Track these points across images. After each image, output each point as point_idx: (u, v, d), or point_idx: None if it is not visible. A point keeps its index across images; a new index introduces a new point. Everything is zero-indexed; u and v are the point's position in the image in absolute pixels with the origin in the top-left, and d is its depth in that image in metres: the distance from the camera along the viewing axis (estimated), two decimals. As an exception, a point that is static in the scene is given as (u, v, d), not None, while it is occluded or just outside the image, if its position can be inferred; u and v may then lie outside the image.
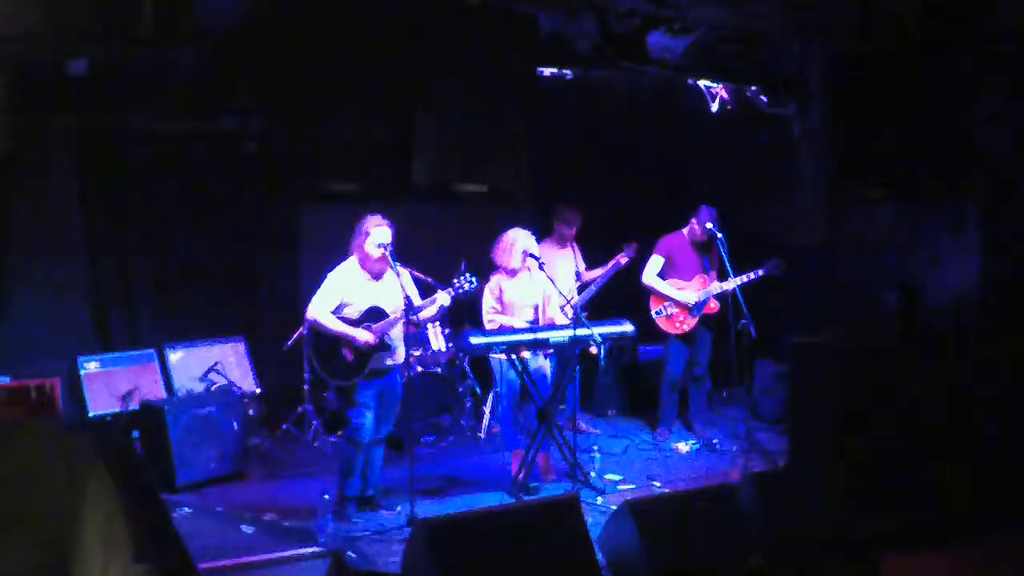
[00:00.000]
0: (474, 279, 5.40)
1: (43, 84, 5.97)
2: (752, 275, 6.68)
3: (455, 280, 5.37)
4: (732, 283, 6.59)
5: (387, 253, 5.28)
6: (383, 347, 5.33)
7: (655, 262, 6.96)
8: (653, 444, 7.09)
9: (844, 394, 5.47)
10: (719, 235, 6.63)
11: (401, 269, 5.41)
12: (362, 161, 6.37)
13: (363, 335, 5.25)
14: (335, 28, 6.03)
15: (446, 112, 6.33)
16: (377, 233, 5.28)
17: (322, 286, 5.35)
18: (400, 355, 5.46)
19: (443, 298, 5.33)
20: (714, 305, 6.91)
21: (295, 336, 6.82)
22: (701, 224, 6.80)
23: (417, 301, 5.42)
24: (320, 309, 5.29)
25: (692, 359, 7.11)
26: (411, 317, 5.25)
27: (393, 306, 5.36)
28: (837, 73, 7.29)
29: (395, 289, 5.38)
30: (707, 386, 7.37)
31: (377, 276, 5.40)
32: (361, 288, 5.35)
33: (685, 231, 7.00)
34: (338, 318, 5.31)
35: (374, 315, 5.32)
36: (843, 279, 7.75)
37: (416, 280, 5.66)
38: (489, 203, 7.33)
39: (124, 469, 2.43)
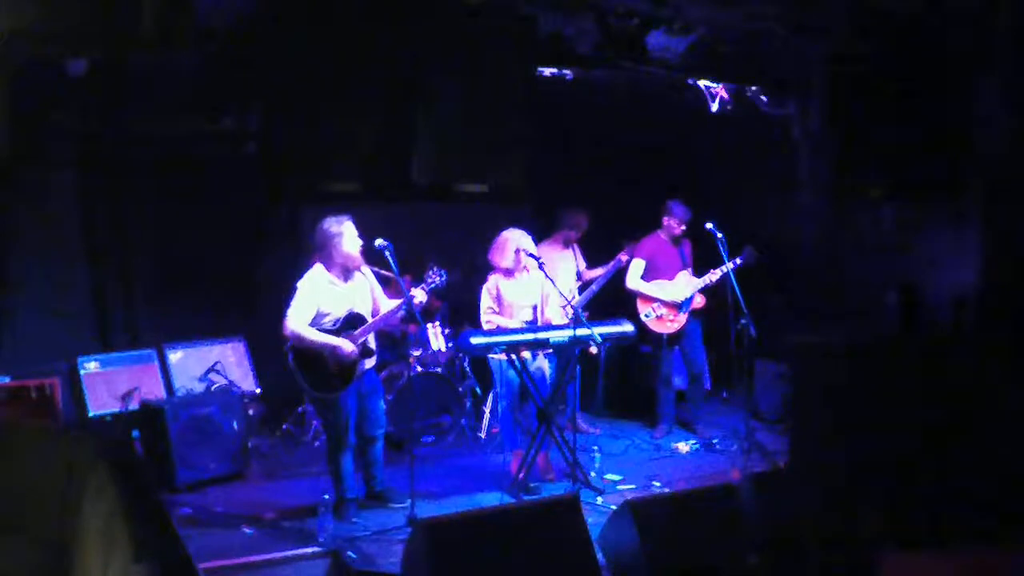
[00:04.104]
0: (443, 272, 5.34)
1: (43, 84, 5.97)
2: (731, 265, 6.63)
3: (427, 277, 5.32)
4: (714, 275, 6.61)
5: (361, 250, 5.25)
6: (368, 353, 5.29)
7: (637, 266, 7.00)
8: (652, 442, 7.09)
9: (844, 394, 5.46)
10: (719, 234, 6.63)
11: (364, 267, 5.40)
12: (362, 161, 6.37)
13: (347, 345, 5.17)
14: (335, 28, 6.03)
15: (446, 112, 6.33)
16: (351, 230, 5.24)
17: (295, 298, 5.23)
18: (374, 358, 5.43)
19: (419, 295, 5.29)
20: (700, 300, 6.93)
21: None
22: (677, 220, 6.87)
23: (384, 301, 5.39)
24: (299, 322, 5.17)
25: (686, 357, 7.13)
26: (403, 315, 5.24)
27: (367, 308, 5.34)
28: (837, 72, 7.28)
29: (365, 290, 5.37)
30: (706, 385, 7.37)
31: (345, 279, 5.33)
32: (333, 294, 5.28)
33: (661, 232, 7.04)
34: (318, 329, 5.23)
35: (353, 320, 5.27)
36: (843, 279, 7.75)
37: (379, 277, 5.62)
38: (489, 203, 7.33)
39: (124, 469, 2.43)
